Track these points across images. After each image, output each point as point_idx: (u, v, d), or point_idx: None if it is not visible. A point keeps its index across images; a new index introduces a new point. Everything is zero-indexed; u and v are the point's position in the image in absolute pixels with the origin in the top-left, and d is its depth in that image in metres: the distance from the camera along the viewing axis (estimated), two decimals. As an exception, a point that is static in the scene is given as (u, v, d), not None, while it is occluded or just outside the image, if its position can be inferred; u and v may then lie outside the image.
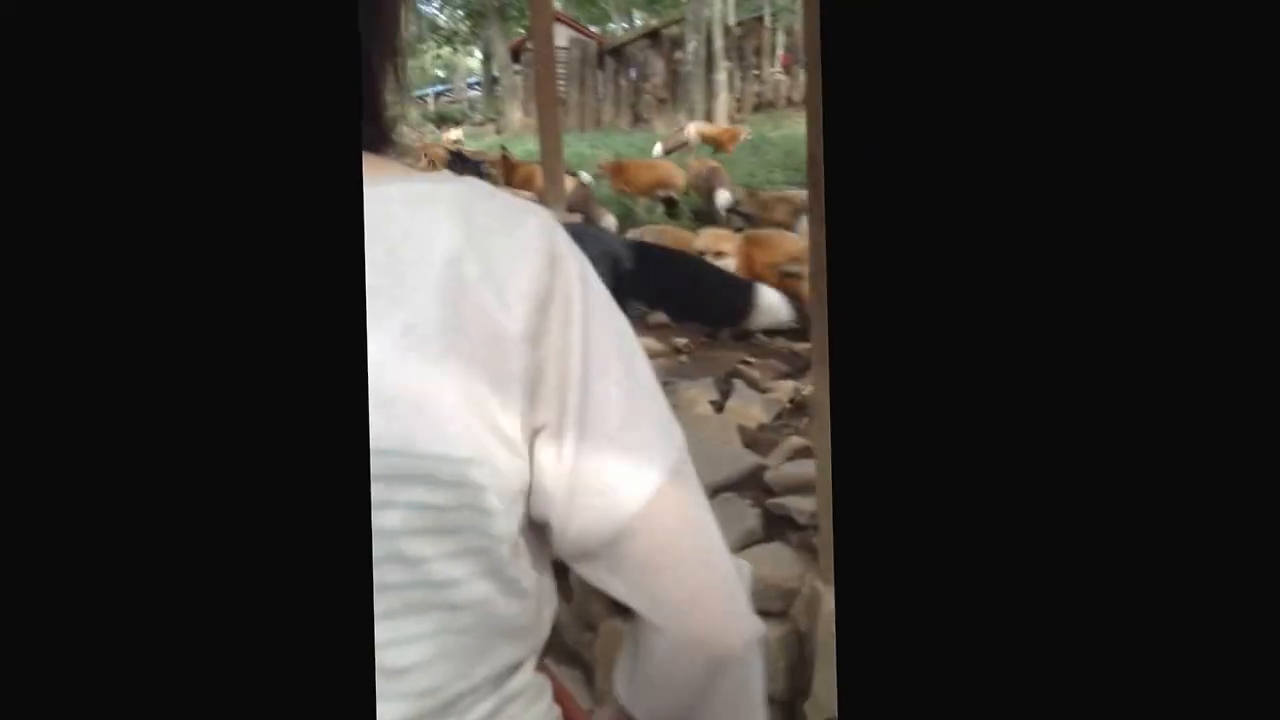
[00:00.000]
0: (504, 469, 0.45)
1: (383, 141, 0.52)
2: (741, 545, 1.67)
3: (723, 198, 5.79)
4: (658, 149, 8.81)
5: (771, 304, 3.47)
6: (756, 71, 13.95)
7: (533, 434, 0.46)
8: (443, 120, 13.81)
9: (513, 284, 0.46)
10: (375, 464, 0.41)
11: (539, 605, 0.50)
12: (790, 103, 13.30)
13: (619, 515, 0.47)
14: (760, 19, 14.08)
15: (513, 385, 0.45)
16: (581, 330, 0.47)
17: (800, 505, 1.71)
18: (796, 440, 2.11)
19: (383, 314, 0.43)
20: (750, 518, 1.75)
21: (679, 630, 0.50)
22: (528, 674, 0.51)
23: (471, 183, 0.49)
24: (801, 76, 13.68)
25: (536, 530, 0.49)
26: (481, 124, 14.31)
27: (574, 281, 0.48)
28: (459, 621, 0.46)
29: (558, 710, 0.54)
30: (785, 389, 2.67)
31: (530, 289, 0.46)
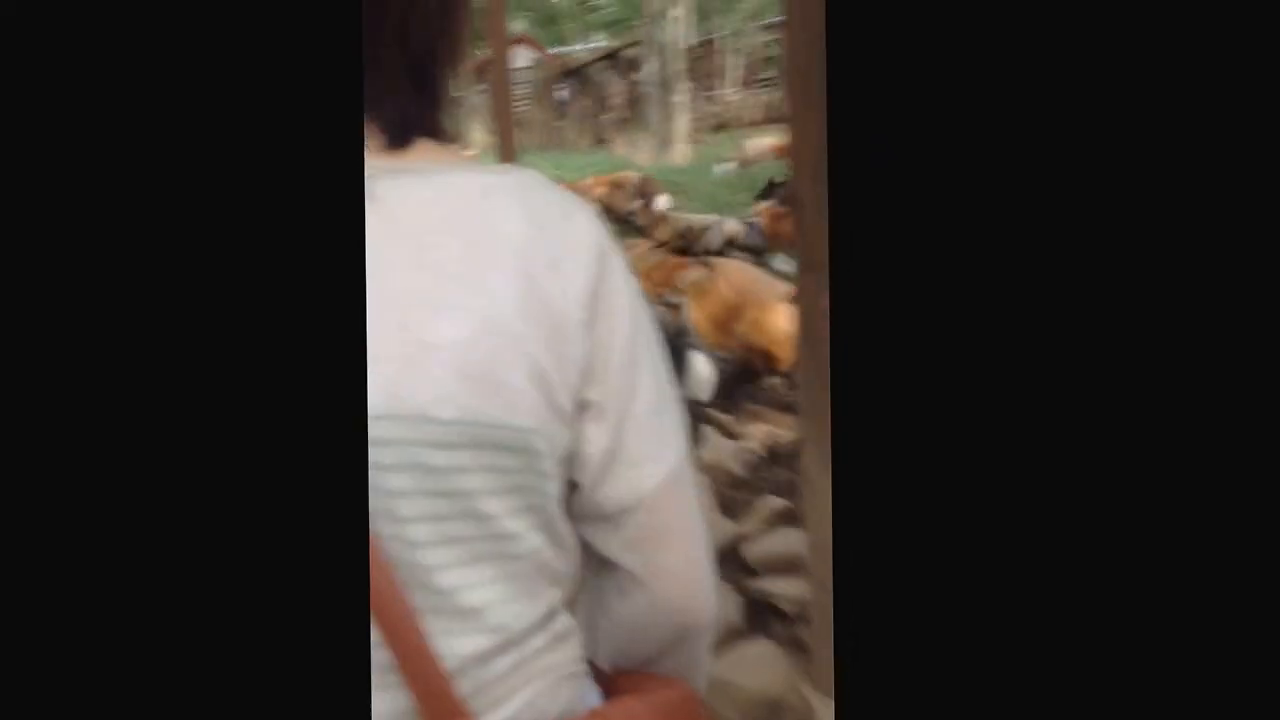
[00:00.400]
0: (557, 438, 0.52)
1: (444, 131, 0.56)
2: (717, 644, 1.44)
3: (661, 201, 6.50)
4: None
5: (700, 376, 3.17)
6: (713, 93, 13.95)
7: (580, 407, 0.53)
8: None
9: (573, 274, 0.52)
10: (458, 432, 0.48)
11: (573, 555, 0.57)
12: (750, 123, 13.28)
13: (643, 485, 0.55)
14: (711, 41, 14.09)
15: (570, 366, 0.51)
16: (625, 321, 0.54)
17: (786, 590, 1.49)
18: (775, 502, 1.89)
19: (466, 299, 0.49)
20: (728, 606, 1.51)
21: (662, 591, 0.58)
22: (566, 616, 0.57)
23: (529, 173, 0.55)
24: (760, 97, 13.73)
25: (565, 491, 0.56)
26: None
27: (620, 274, 0.55)
28: (519, 568, 0.52)
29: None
30: (759, 433, 2.45)
31: (587, 279, 0.52)
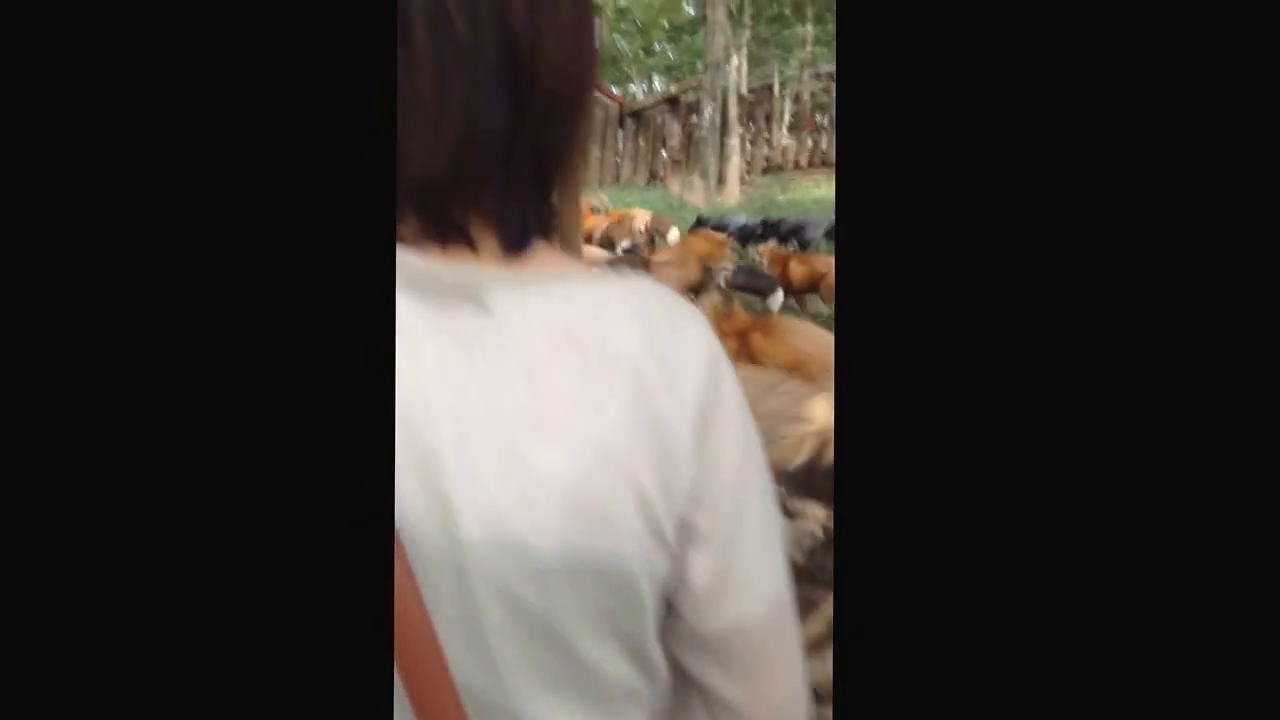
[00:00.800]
0: (657, 564, 0.49)
1: (563, 236, 0.54)
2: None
3: (674, 234, 7.85)
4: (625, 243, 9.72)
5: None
6: (767, 136, 14.68)
7: (684, 532, 0.49)
8: None
9: (684, 392, 0.48)
10: (557, 564, 0.46)
11: (663, 680, 0.54)
12: (797, 166, 14.04)
13: (747, 616, 0.52)
14: (770, 88, 14.83)
15: (677, 490, 0.48)
16: (736, 441, 0.50)
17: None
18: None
19: (578, 424, 0.46)
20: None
21: None
22: None
23: (644, 281, 0.52)
24: (809, 142, 14.36)
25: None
26: None
27: (730, 389, 0.51)
28: (603, 693, 0.50)
29: None
30: (818, 514, 2.02)
31: (697, 398, 0.48)
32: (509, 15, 0.46)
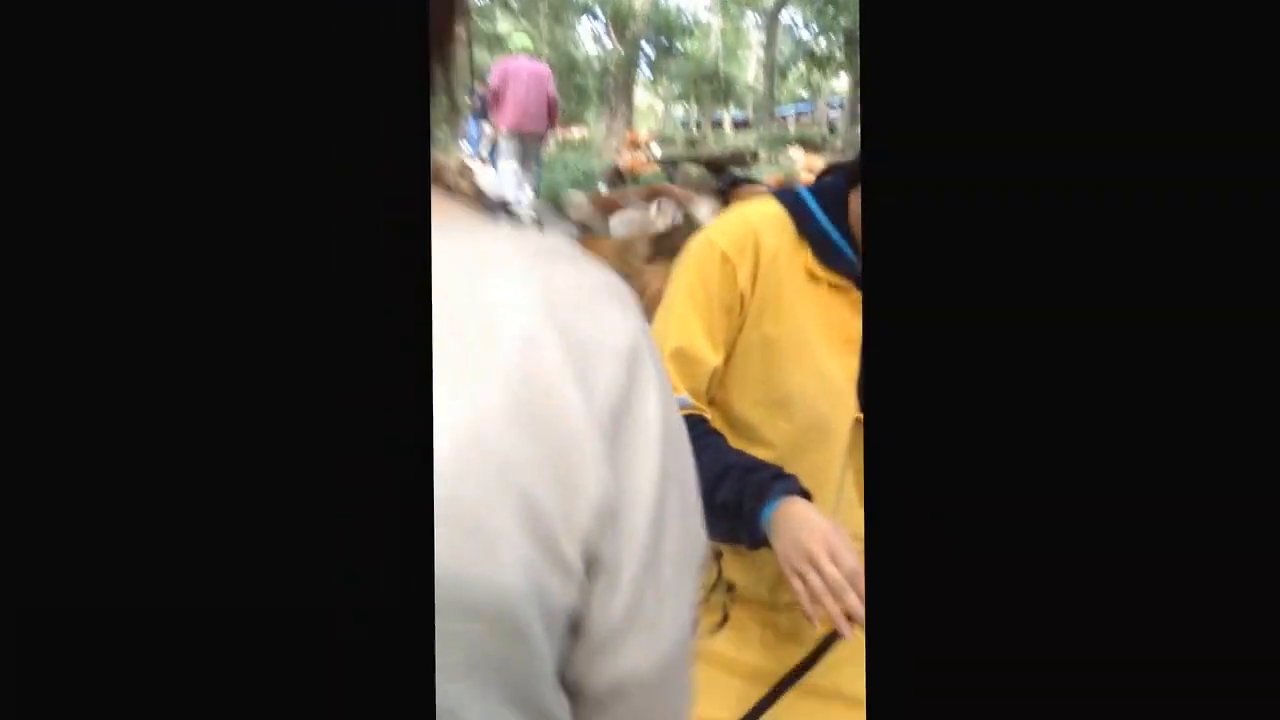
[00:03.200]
0: (557, 600, 0.39)
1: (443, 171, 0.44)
2: None
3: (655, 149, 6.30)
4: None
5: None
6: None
7: (591, 564, 0.40)
8: (805, 144, 11.43)
9: (597, 383, 0.39)
10: None
11: None
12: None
13: (643, 664, 0.42)
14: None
15: (584, 508, 0.38)
16: (658, 449, 0.41)
17: None
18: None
19: (448, 406, 0.36)
20: None
21: None
22: None
23: (556, 242, 0.43)
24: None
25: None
26: (843, 151, 10.85)
27: (655, 387, 0.41)
28: None
29: None
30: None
31: (612, 392, 0.39)
32: None
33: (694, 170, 7.69)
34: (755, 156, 8.31)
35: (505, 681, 0.39)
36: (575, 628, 0.41)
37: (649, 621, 0.42)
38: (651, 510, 0.41)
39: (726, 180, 4.99)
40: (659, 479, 0.41)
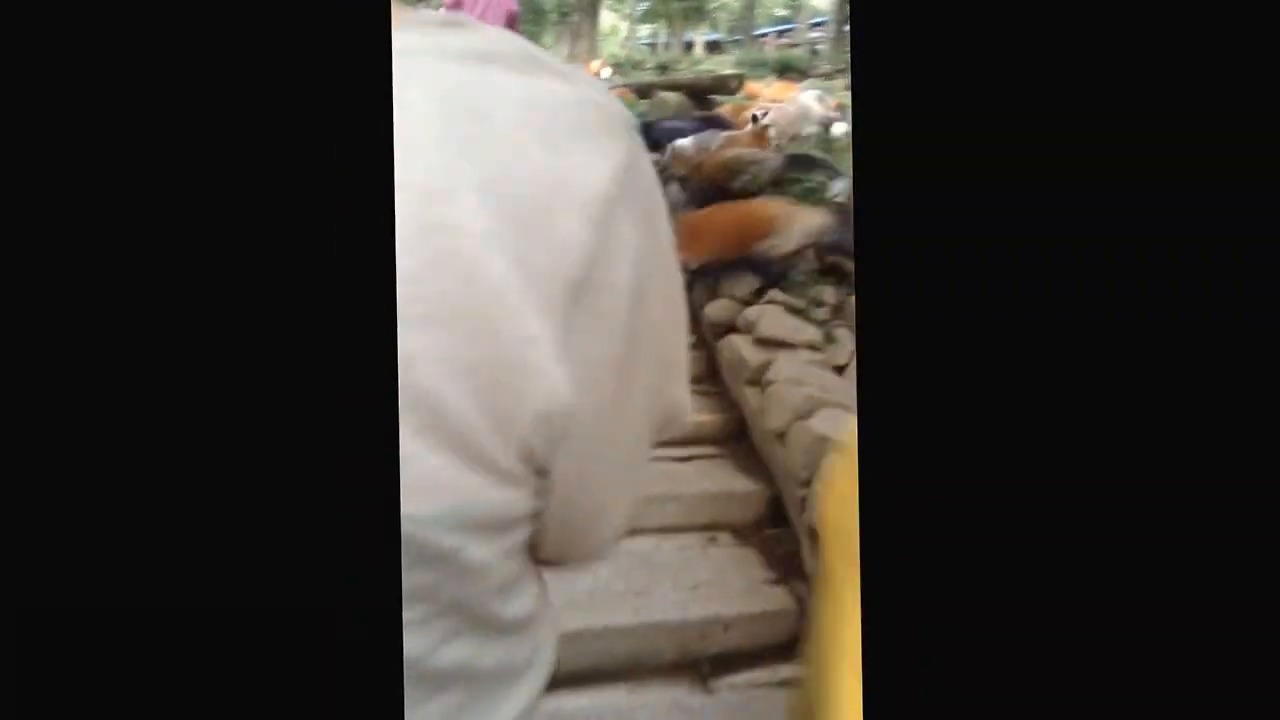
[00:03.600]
0: (491, 510, 0.32)
1: None
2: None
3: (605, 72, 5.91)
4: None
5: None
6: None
7: (532, 465, 0.33)
8: (786, 69, 9.65)
9: (546, 245, 0.31)
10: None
11: (537, 629, 0.39)
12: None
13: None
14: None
15: (523, 407, 0.31)
16: (624, 319, 0.34)
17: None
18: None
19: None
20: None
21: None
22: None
23: (507, 37, 0.35)
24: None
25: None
26: (829, 75, 9.33)
27: (630, 245, 0.34)
28: (444, 694, 0.35)
29: None
30: None
31: (570, 256, 0.32)
32: None
33: (671, 98, 6.85)
34: (740, 82, 7.28)
35: (442, 609, 0.34)
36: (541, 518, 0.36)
37: (586, 517, 0.39)
38: (613, 385, 0.35)
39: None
40: (628, 352, 0.35)
